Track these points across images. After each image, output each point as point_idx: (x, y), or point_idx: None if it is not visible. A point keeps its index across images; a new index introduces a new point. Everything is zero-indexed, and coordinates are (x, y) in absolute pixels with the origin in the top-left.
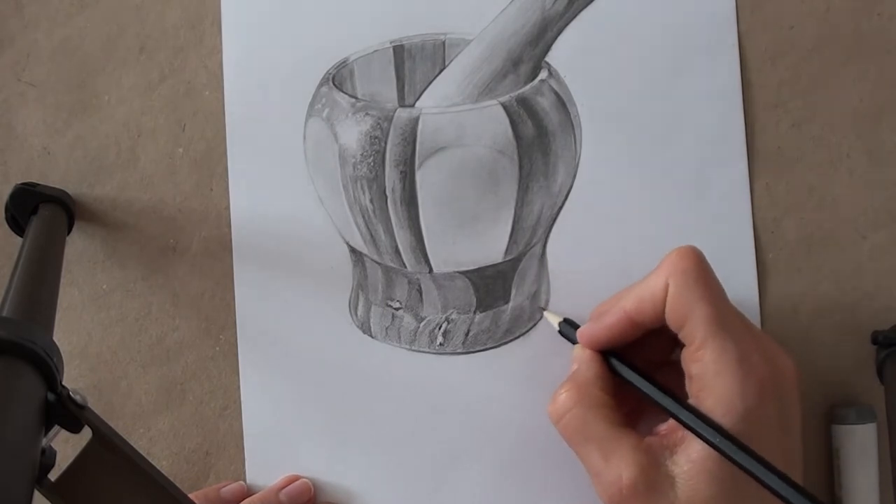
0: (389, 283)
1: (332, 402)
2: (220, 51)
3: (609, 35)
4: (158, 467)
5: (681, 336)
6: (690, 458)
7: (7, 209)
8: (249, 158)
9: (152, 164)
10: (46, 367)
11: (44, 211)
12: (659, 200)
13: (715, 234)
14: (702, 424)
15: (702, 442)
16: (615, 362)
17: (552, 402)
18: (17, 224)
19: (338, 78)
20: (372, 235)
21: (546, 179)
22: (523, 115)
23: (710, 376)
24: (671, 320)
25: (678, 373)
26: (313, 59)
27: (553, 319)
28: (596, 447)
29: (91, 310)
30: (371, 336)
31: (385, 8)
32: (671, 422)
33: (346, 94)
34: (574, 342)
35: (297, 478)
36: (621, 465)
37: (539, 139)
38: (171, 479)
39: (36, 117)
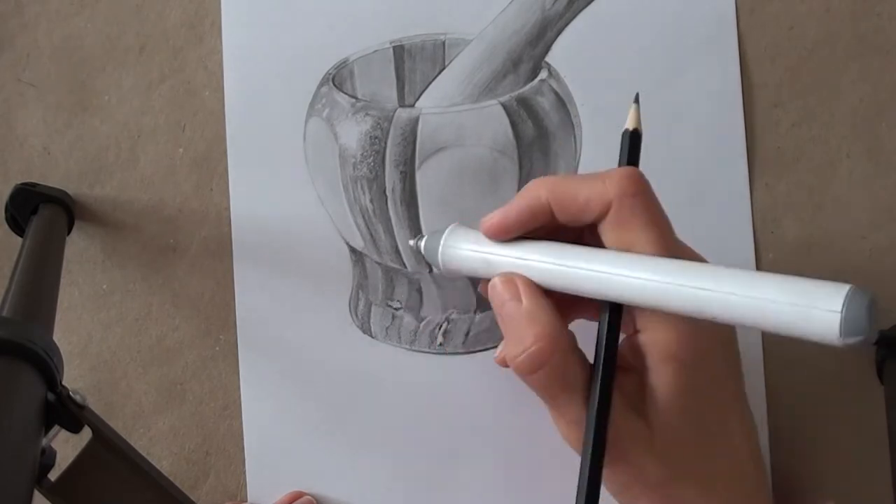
0: (389, 283)
1: (332, 402)
2: (220, 51)
3: (609, 35)
4: (158, 467)
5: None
6: (653, 387)
7: (7, 209)
8: (249, 158)
9: (152, 164)
10: (46, 367)
11: (44, 211)
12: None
13: (715, 234)
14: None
15: (661, 374)
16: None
17: (516, 355)
18: (17, 224)
19: (338, 78)
20: (372, 235)
21: None
22: (523, 115)
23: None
24: (609, 241)
25: None
26: (313, 59)
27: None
28: (580, 395)
29: (91, 310)
30: (371, 336)
31: (385, 8)
32: (626, 346)
33: (346, 94)
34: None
35: (300, 494)
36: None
37: (539, 139)
38: (171, 479)
39: (36, 117)
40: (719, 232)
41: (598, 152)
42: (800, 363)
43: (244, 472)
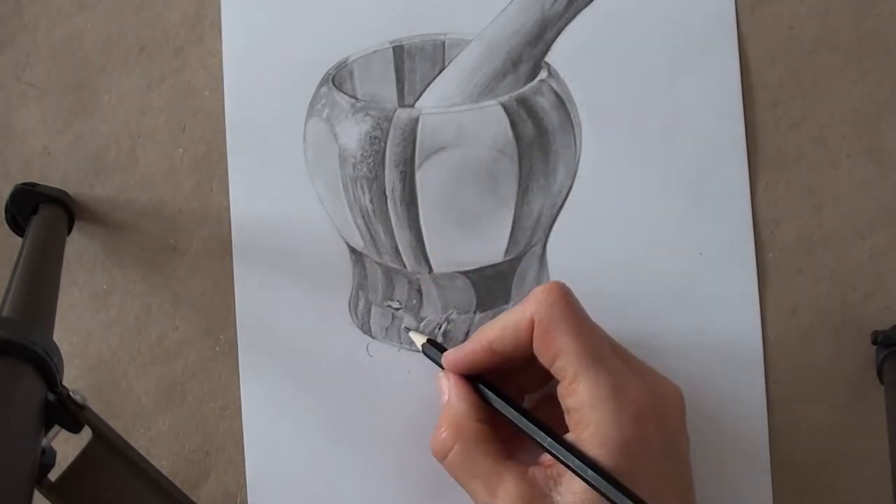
0: (389, 283)
1: (332, 403)
2: (220, 51)
3: (609, 35)
4: (158, 467)
5: (553, 371)
6: (573, 490)
7: (7, 209)
8: (249, 158)
9: (152, 165)
10: (46, 367)
11: (44, 211)
12: (659, 200)
13: (715, 234)
14: (571, 457)
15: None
16: (485, 391)
17: (434, 440)
18: (17, 224)
19: (338, 78)
20: (372, 235)
21: (546, 179)
22: (523, 115)
23: (585, 409)
24: (541, 356)
25: (558, 404)
26: (313, 59)
27: (417, 340)
28: (481, 483)
29: (91, 310)
30: (371, 336)
31: (385, 8)
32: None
33: (346, 94)
34: (439, 366)
35: None
36: (506, 500)
37: (539, 139)
38: (171, 479)
39: (36, 117)
40: (719, 232)
41: (598, 152)
42: (800, 363)
43: (244, 472)
